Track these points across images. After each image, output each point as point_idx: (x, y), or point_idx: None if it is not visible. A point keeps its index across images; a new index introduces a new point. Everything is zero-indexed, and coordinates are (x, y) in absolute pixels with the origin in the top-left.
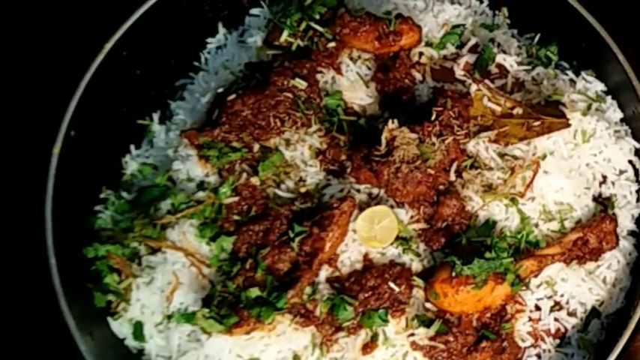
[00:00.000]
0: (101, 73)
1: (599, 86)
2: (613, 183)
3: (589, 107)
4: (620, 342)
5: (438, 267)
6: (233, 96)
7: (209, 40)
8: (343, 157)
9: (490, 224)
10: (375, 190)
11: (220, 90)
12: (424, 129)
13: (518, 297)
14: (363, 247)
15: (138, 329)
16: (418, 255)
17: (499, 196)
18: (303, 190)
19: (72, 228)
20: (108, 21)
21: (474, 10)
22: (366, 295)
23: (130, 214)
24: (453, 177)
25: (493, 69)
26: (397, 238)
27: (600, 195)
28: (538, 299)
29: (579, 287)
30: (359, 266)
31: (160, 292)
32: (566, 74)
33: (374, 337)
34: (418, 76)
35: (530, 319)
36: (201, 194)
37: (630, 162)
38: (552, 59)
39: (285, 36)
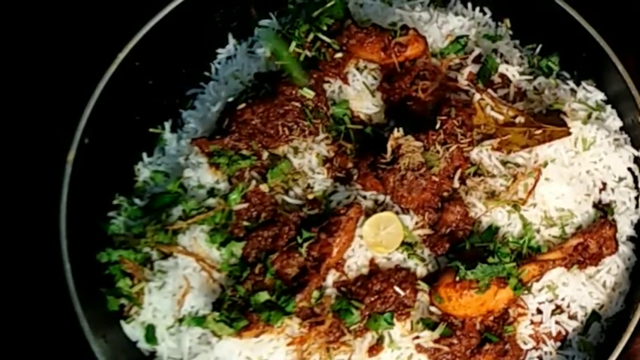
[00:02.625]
0: (114, 82)
1: (599, 95)
2: (612, 190)
3: (589, 116)
4: (620, 344)
5: (442, 272)
6: (243, 105)
7: (219, 50)
8: (350, 165)
9: (493, 230)
10: (381, 197)
11: (230, 99)
12: (429, 137)
13: (520, 301)
14: (370, 252)
15: (150, 332)
16: (423, 260)
17: (502, 203)
18: (310, 196)
19: (86, 233)
20: (121, 32)
21: (477, 22)
22: (372, 298)
23: (142, 220)
24: (456, 184)
25: (496, 79)
26: (402, 243)
27: (600, 201)
28: (540, 303)
29: (580, 291)
30: (365, 271)
31: (171, 296)
32: (567, 84)
33: (380, 340)
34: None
35: (532, 322)
36: (211, 201)
37: (629, 169)
38: (553, 69)
39: (293, 47)
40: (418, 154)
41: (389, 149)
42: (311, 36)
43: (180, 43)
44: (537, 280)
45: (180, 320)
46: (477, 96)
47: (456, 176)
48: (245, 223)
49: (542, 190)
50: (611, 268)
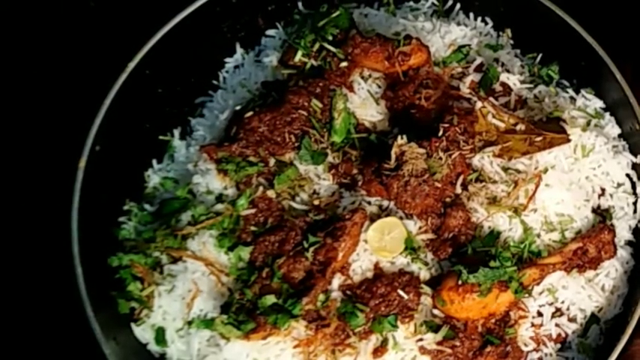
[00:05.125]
0: (125, 91)
1: (598, 103)
2: (611, 195)
3: (588, 123)
4: (618, 346)
5: (445, 275)
6: (250, 113)
7: (227, 59)
8: (355, 171)
9: (494, 235)
10: (385, 203)
11: (238, 107)
12: (432, 144)
13: (521, 304)
14: (374, 256)
15: (160, 334)
16: (426, 264)
17: (503, 208)
18: (316, 202)
19: (97, 238)
20: (131, 42)
21: (479, 31)
22: (377, 302)
23: (152, 225)
24: (459, 190)
25: (497, 87)
26: (406, 247)
27: (599, 207)
28: (540, 306)
29: (579, 294)
30: (370, 275)
31: (180, 299)
32: (567, 92)
33: (384, 342)
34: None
35: (533, 325)
36: (219, 206)
37: (627, 175)
38: (553, 78)
39: (299, 56)
40: (421, 161)
41: (393, 156)
42: (317, 45)
43: (189, 53)
44: (538, 284)
45: (190, 323)
46: (479, 104)
47: (459, 182)
48: (252, 228)
49: (542, 196)
50: (610, 272)
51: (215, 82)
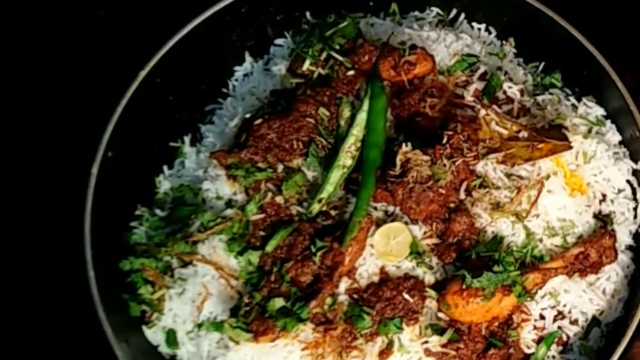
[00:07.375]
0: (136, 98)
1: (599, 111)
2: (612, 201)
3: (590, 131)
4: (619, 348)
5: (449, 280)
6: (259, 120)
7: (236, 68)
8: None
9: (498, 239)
10: (391, 208)
11: (247, 115)
12: (436, 151)
13: (523, 307)
14: (380, 260)
15: (171, 336)
16: (431, 268)
17: (506, 214)
18: (324, 208)
19: (109, 243)
20: (142, 51)
21: (482, 40)
22: (383, 305)
23: (163, 230)
24: (463, 196)
25: (500, 95)
26: (411, 252)
27: (600, 212)
28: (542, 309)
29: (581, 298)
30: (376, 278)
31: (191, 302)
32: (569, 100)
33: (390, 344)
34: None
35: (535, 328)
36: (229, 211)
37: (628, 181)
38: (556, 86)
39: (307, 65)
40: (426, 168)
41: (398, 163)
42: (324, 54)
43: (199, 61)
44: (540, 288)
45: (200, 325)
46: (483, 112)
47: (462, 188)
48: (261, 233)
49: (544, 202)
50: (611, 276)
51: (225, 90)
